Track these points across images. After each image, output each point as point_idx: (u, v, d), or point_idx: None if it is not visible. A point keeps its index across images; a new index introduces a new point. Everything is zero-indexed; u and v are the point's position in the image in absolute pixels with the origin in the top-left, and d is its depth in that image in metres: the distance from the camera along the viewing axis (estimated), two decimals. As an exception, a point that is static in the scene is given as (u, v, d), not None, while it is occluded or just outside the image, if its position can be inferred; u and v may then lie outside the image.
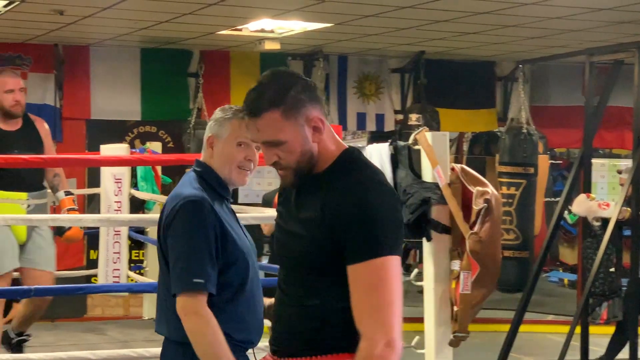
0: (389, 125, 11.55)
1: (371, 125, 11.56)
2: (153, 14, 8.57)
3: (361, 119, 11.50)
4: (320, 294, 2.71)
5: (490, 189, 5.07)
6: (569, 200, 8.31)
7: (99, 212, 9.10)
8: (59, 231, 6.76)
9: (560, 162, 15.54)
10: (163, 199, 6.63)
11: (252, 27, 9.19)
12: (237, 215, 3.50)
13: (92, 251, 10.28)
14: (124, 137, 10.85)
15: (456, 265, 5.05)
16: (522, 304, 7.98)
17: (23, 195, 6.56)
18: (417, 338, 5.23)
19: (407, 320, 7.61)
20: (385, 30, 9.37)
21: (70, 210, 6.59)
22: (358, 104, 11.44)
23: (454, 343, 5.07)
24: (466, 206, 5.07)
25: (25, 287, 5.82)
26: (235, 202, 9.19)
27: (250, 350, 3.31)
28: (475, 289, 4.95)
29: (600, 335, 8.71)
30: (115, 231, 8.86)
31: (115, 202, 8.85)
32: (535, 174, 10.59)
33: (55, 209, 8.03)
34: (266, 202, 8.53)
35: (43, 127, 7.04)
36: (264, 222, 7.64)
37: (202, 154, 3.44)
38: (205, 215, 3.22)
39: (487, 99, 11.91)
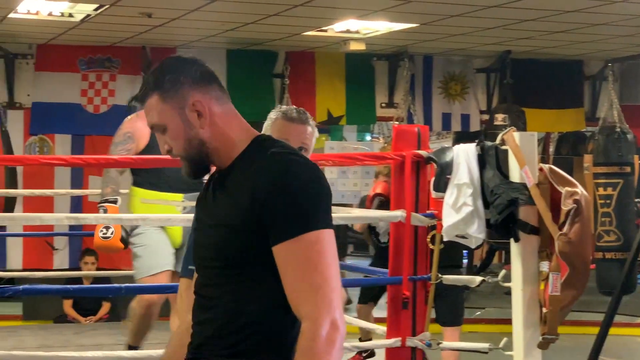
0: (475, 126, 11.48)
1: (456, 126, 11.50)
2: (239, 16, 8.65)
3: (446, 119, 11.45)
4: (243, 295, 2.51)
5: (580, 189, 5.01)
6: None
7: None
8: None
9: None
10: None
11: (338, 27, 9.22)
12: None
13: (179, 250, 10.39)
14: (211, 137, 10.95)
15: (545, 266, 5.00)
16: (613, 306, 7.84)
17: (179, 196, 6.50)
18: (505, 340, 5.18)
19: (494, 321, 7.58)
20: (471, 29, 9.32)
21: None
22: (443, 104, 11.39)
23: (543, 345, 5.01)
24: (555, 207, 5.01)
25: (115, 285, 5.89)
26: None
27: None
28: (564, 290, 4.89)
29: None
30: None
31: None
32: (632, 172, 10.33)
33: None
34: (362, 203, 8.69)
35: None
36: (352, 222, 7.67)
37: None
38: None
39: (574, 99, 11.76)
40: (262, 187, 2.46)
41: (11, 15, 8.50)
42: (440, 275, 5.44)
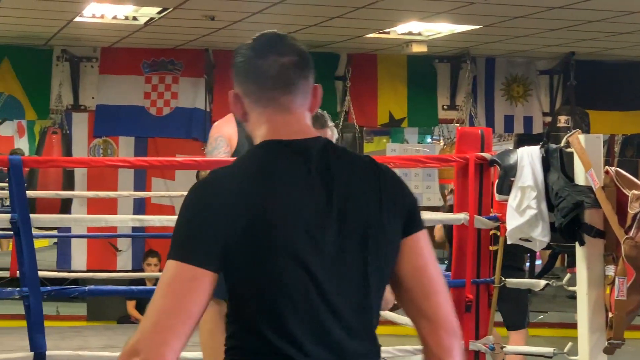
0: (537, 128, 11.39)
1: (519, 128, 11.42)
2: (302, 18, 8.67)
3: (509, 121, 11.37)
4: None
5: (647, 192, 4.95)
6: None
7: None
8: None
9: None
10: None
11: (400, 30, 9.21)
12: None
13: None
14: (272, 140, 10.97)
15: (610, 270, 4.95)
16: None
17: None
18: (570, 344, 5.14)
19: (556, 325, 7.48)
20: (535, 31, 9.25)
21: None
22: (506, 106, 11.32)
23: (609, 350, 4.96)
24: (621, 210, 4.96)
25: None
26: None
27: None
28: (631, 295, 4.83)
29: None
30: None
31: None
32: None
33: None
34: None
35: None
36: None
37: None
38: None
39: (639, 101, 11.61)
40: None
41: (77, 19, 8.61)
42: (503, 279, 5.42)
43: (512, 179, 5.25)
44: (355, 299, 2.29)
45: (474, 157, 5.25)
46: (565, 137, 5.26)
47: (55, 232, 10.08)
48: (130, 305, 10.20)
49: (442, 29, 9.15)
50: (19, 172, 4.96)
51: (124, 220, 6.96)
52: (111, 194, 8.48)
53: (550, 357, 5.27)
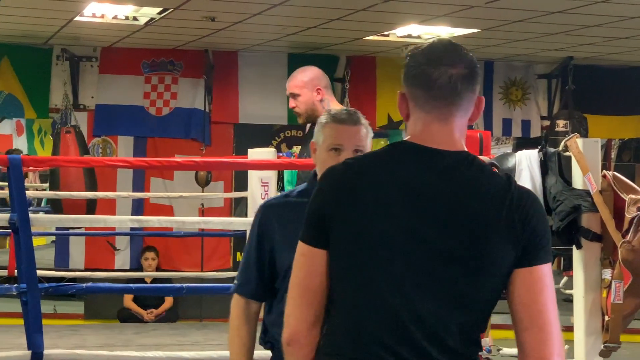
0: (535, 132, 11.42)
1: (517, 131, 11.45)
2: (302, 20, 8.69)
3: (507, 124, 11.40)
4: None
5: (644, 196, 4.98)
6: None
7: (246, 215, 9.26)
8: None
9: None
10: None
11: (399, 32, 9.23)
12: None
13: (238, 253, 10.47)
14: (271, 141, 11.00)
15: (607, 274, 4.97)
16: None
17: None
18: (566, 347, 5.16)
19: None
20: (533, 35, 9.28)
21: None
22: (504, 110, 11.35)
23: (605, 353, 4.99)
24: (618, 214, 4.99)
25: (177, 285, 5.98)
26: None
27: None
28: (627, 298, 4.86)
29: None
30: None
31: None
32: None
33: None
34: None
35: None
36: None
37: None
38: (257, 221, 3.35)
39: (637, 105, 11.65)
40: None
41: (77, 18, 8.62)
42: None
43: (510, 182, 5.27)
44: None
45: (473, 161, 5.26)
46: (564, 141, 5.29)
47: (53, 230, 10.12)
48: (128, 298, 10.21)
49: (441, 32, 9.17)
50: (18, 172, 4.98)
51: (123, 220, 7.00)
52: (110, 194, 8.50)
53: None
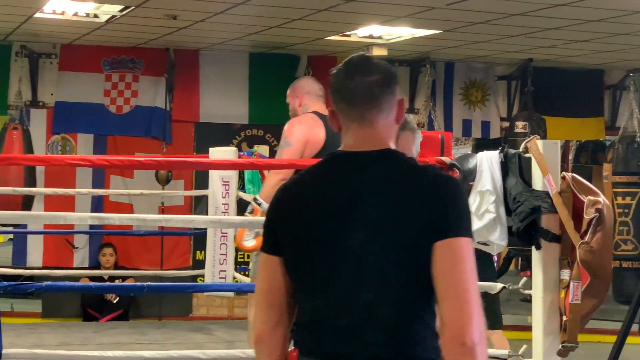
0: (495, 133, 11.50)
1: (477, 132, 11.53)
2: (263, 19, 8.70)
3: (467, 125, 11.48)
4: None
5: (602, 198, 5.02)
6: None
7: (206, 214, 9.25)
8: None
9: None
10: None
11: (361, 33, 9.26)
12: None
13: (198, 252, 10.45)
14: (232, 140, 10.99)
15: (566, 274, 5.01)
16: (630, 316, 7.85)
17: None
18: (524, 347, 5.21)
19: (510, 328, 7.57)
20: (494, 37, 9.35)
21: None
22: (464, 111, 11.42)
23: (563, 353, 5.03)
24: (577, 215, 5.03)
25: (138, 284, 5.96)
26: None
27: None
28: (585, 299, 4.90)
29: None
30: (222, 233, 8.99)
31: (223, 204, 8.98)
32: (652, 183, 10.39)
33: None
34: None
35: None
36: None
37: None
38: None
39: (595, 108, 11.77)
40: None
41: (37, 15, 8.56)
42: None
43: (471, 183, 5.30)
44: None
45: (434, 161, 5.30)
46: (524, 142, 5.32)
47: (11, 228, 10.03)
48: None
49: (402, 33, 9.22)
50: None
51: (83, 218, 6.92)
52: (70, 191, 8.45)
53: (505, 360, 5.34)
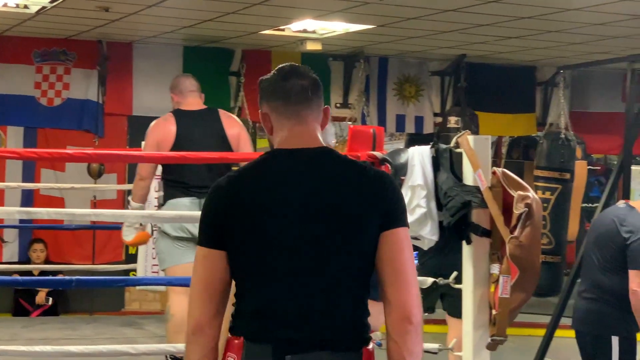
0: (428, 128, 11.56)
1: (410, 127, 11.58)
2: (197, 13, 8.64)
3: (400, 120, 11.52)
4: None
5: (531, 193, 5.07)
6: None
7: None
8: None
9: (598, 167, 15.46)
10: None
11: (295, 27, 9.25)
12: None
13: (130, 246, 10.36)
14: (165, 133, 10.89)
15: (495, 269, 5.05)
16: (559, 309, 7.97)
17: None
18: (454, 341, 5.24)
19: (442, 322, 7.64)
20: (428, 32, 9.39)
21: None
22: (398, 106, 11.46)
23: (492, 347, 5.07)
24: (507, 210, 5.07)
25: (66, 278, 5.89)
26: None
27: None
28: (514, 293, 4.94)
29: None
30: (155, 227, 8.92)
31: (155, 198, 8.91)
32: (571, 179, 10.56)
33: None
34: None
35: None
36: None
37: None
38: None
39: (526, 104, 11.90)
40: None
41: (-34, 5, 8.42)
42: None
43: (402, 177, 5.32)
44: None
45: (366, 156, 5.30)
46: (455, 137, 5.35)
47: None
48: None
49: (336, 27, 9.22)
50: None
51: (10, 212, 6.85)
52: (-1, 184, 8.33)
53: (435, 353, 5.36)
